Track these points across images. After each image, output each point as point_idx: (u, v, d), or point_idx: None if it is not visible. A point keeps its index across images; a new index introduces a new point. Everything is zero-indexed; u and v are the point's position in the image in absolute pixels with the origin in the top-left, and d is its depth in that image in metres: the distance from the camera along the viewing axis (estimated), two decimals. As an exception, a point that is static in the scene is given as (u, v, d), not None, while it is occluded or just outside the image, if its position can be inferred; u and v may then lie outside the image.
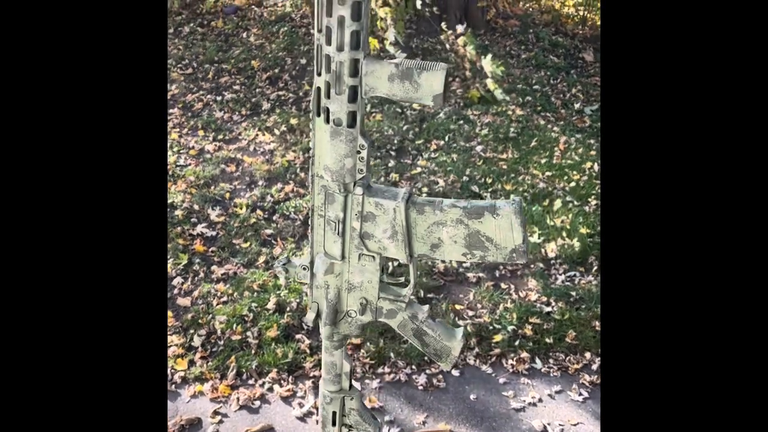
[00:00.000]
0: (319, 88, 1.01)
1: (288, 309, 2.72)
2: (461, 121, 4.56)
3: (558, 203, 3.60)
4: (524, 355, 2.60)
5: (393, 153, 4.15)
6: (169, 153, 4.01)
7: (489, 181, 3.85)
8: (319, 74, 1.00)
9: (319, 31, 0.96)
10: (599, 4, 6.73)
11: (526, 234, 1.06)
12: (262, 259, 3.05)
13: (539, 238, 3.31)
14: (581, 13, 6.83)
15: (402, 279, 1.23)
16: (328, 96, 1.00)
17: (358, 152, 1.04)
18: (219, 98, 4.79)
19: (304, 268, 1.23)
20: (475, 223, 1.06)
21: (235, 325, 2.62)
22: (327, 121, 1.03)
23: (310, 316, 1.25)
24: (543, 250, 3.24)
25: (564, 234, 3.33)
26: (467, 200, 1.09)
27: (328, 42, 0.95)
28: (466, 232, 1.07)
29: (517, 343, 2.65)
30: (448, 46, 5.32)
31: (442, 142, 4.29)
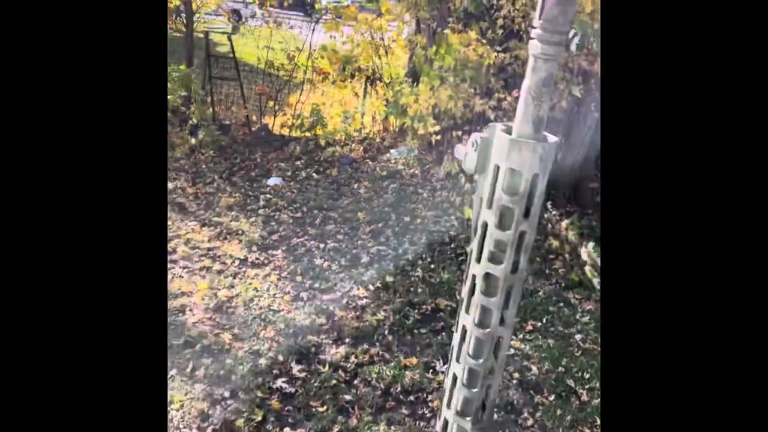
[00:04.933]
0: None
1: (355, 494, 2.52)
2: (561, 304, 4.37)
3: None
4: None
5: (486, 328, 3.99)
6: (266, 296, 4.08)
7: (587, 376, 3.57)
8: None
9: None
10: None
11: None
12: (336, 429, 2.90)
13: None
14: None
15: None
16: None
17: None
18: (322, 245, 4.92)
19: None
20: None
21: (296, 503, 2.45)
22: None
23: None
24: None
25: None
26: None
27: None
28: None
29: None
30: (550, 226, 5.28)
31: (539, 324, 4.10)
